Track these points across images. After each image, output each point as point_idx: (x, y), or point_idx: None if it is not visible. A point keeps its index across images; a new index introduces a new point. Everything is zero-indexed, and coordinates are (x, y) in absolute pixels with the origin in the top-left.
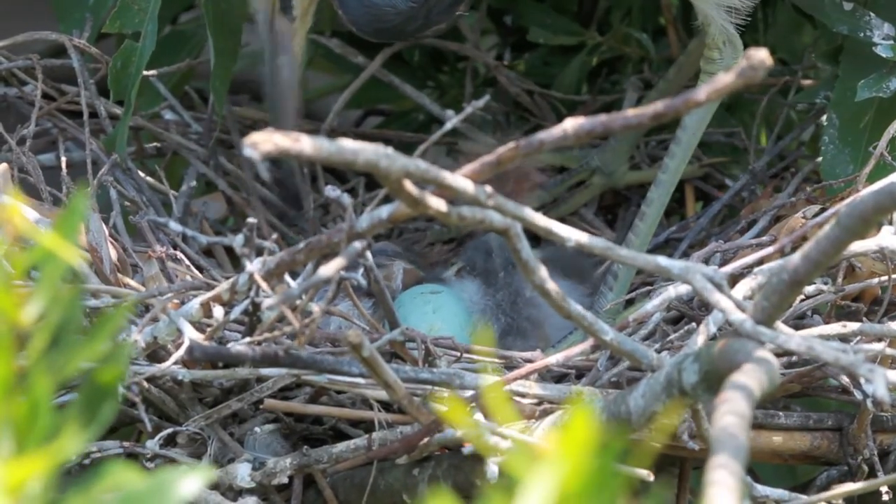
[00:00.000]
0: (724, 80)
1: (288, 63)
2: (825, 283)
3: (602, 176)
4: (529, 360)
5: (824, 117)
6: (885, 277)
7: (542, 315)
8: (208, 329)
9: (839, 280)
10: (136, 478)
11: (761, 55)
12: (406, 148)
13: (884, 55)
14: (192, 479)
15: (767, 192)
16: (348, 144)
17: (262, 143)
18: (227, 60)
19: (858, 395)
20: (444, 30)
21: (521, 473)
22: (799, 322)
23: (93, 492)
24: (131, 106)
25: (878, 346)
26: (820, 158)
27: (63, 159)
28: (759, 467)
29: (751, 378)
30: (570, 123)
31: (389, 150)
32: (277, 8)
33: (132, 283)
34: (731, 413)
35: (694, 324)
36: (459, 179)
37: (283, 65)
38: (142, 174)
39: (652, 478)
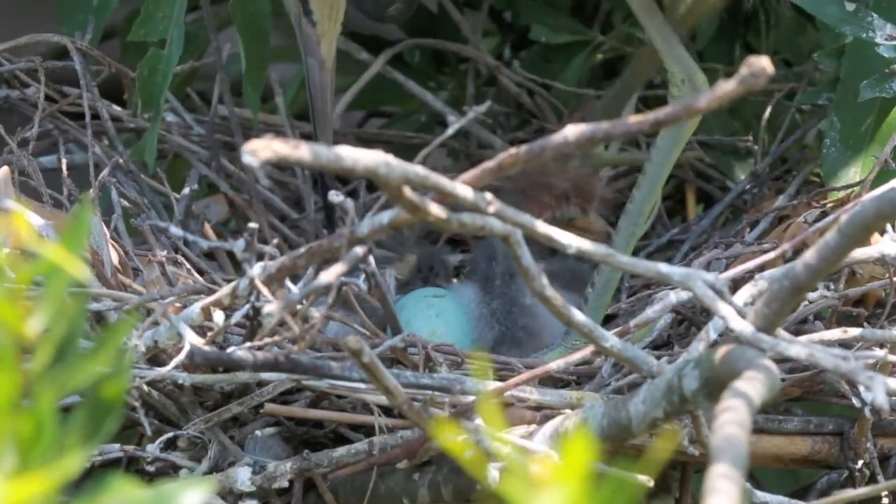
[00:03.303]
0: (725, 87)
1: (315, 66)
2: (827, 289)
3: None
4: (530, 366)
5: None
6: (886, 280)
7: (539, 325)
8: (209, 333)
9: (841, 286)
10: (138, 490)
11: (762, 62)
12: (408, 148)
13: (886, 55)
14: (194, 492)
15: (770, 195)
16: (347, 152)
17: (261, 149)
18: (258, 64)
19: (857, 404)
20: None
21: (522, 498)
22: (800, 327)
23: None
24: (160, 114)
25: (879, 353)
26: (821, 161)
27: (64, 161)
28: (760, 472)
29: (751, 386)
30: (572, 130)
31: (389, 156)
32: (301, 11)
33: (134, 285)
34: (731, 422)
35: (694, 328)
36: (459, 186)
37: (311, 67)
38: (143, 176)
39: (652, 483)
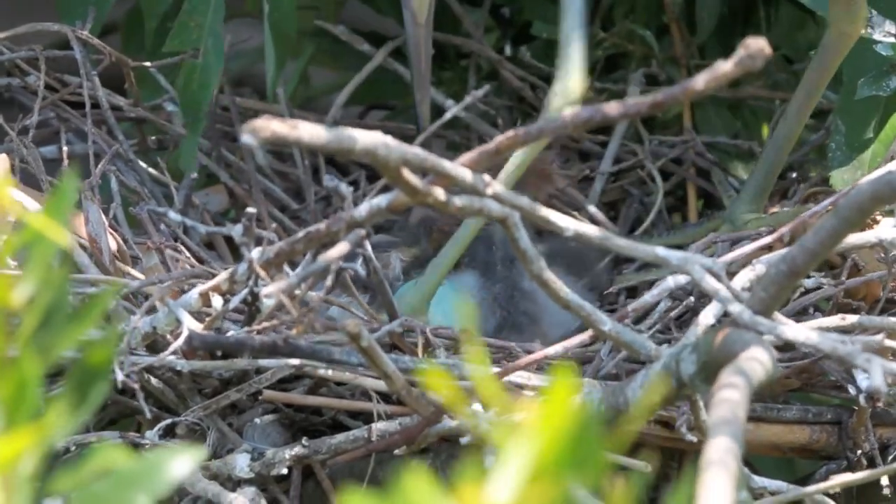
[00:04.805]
0: (723, 68)
1: (409, 19)
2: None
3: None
4: (529, 352)
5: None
6: (885, 272)
7: (540, 310)
8: (207, 319)
9: (843, 278)
10: (126, 458)
11: (759, 43)
12: (408, 140)
13: (883, 53)
14: (183, 460)
15: (776, 198)
16: (347, 132)
17: (260, 130)
18: (281, 67)
19: (852, 391)
20: None
21: (500, 444)
22: (800, 318)
23: (82, 472)
24: (200, 123)
25: (877, 338)
26: (827, 164)
27: (65, 150)
28: (759, 461)
29: (748, 366)
30: (569, 113)
31: (388, 137)
32: None
33: (133, 271)
34: (728, 399)
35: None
36: (458, 168)
37: (407, 21)
38: (144, 165)
39: (649, 469)
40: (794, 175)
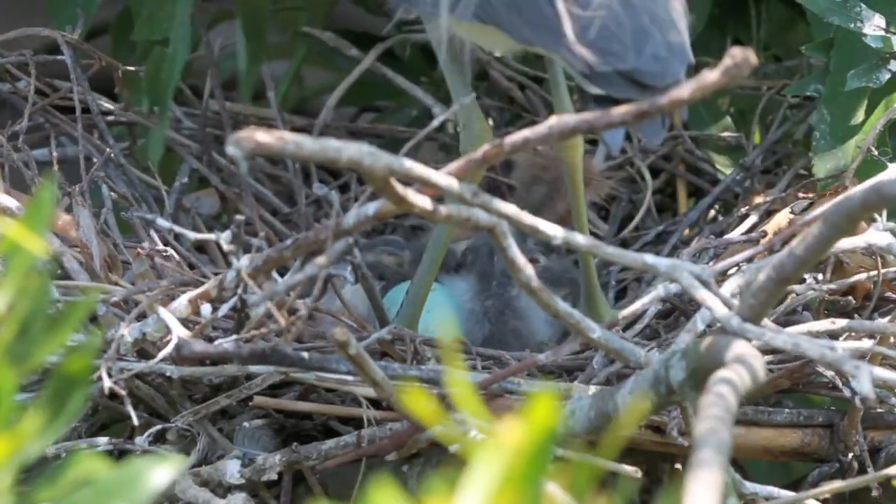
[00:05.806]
0: (710, 77)
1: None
2: (816, 280)
3: None
4: (519, 359)
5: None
6: (874, 272)
7: (528, 329)
8: (196, 326)
9: (827, 275)
10: (105, 468)
11: (746, 54)
12: (399, 142)
13: (873, 45)
14: (163, 469)
15: (761, 189)
16: (332, 143)
17: (246, 140)
18: (255, 59)
19: (847, 393)
20: None
21: (473, 457)
22: (789, 318)
23: (61, 482)
24: (167, 112)
25: (866, 344)
26: (812, 153)
27: (55, 154)
28: (753, 464)
29: (735, 374)
30: (555, 121)
31: (373, 148)
32: None
33: (121, 281)
34: (714, 409)
35: (683, 318)
36: (444, 177)
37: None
38: (135, 170)
39: (639, 474)
40: (779, 163)
